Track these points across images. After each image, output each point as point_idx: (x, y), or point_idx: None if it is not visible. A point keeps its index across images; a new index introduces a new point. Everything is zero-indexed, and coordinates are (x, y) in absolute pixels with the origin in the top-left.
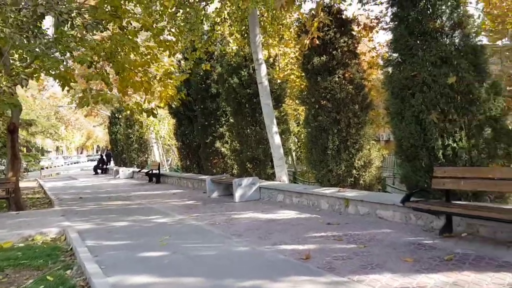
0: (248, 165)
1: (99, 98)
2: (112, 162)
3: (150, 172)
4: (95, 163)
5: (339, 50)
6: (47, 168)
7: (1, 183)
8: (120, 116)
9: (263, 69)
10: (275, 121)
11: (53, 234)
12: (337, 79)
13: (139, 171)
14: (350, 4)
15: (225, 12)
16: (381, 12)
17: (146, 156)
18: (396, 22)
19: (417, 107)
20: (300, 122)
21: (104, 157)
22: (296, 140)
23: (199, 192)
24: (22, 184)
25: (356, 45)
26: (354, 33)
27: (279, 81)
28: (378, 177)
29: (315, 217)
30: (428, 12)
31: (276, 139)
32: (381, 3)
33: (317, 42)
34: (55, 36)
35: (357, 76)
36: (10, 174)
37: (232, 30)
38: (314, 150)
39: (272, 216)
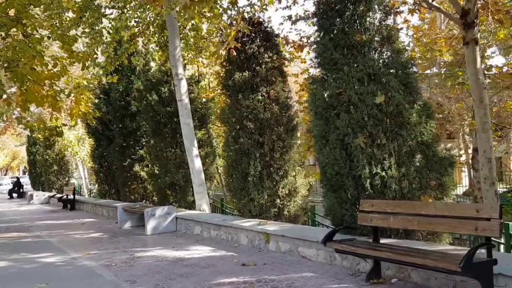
0: (168, 192)
1: None
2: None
3: (65, 197)
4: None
5: (263, 65)
6: None
7: None
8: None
9: (183, 85)
10: (195, 143)
11: None
12: (260, 97)
13: (53, 196)
14: (266, 10)
15: (133, 19)
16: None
17: (67, 179)
18: (320, 34)
19: (343, 130)
20: None
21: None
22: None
23: (112, 221)
24: None
25: (282, 61)
26: (280, 48)
27: (204, 99)
28: (304, 207)
29: (231, 255)
30: (355, 23)
31: (196, 163)
32: (313, 23)
33: (234, 53)
34: None
35: (283, 95)
36: None
37: (148, 41)
38: (235, 176)
39: (182, 254)
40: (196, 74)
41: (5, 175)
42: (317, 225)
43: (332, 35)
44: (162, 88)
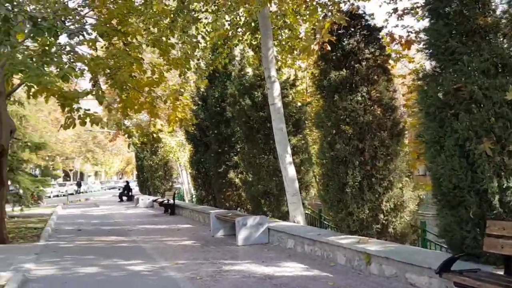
0: (261, 201)
1: (86, 119)
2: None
3: (166, 202)
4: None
5: (363, 62)
6: (70, 194)
7: None
8: (147, 142)
9: (276, 88)
10: (289, 149)
11: (3, 280)
12: (360, 98)
13: (155, 200)
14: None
15: (226, 22)
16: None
17: (171, 184)
18: (432, 20)
19: (462, 133)
20: None
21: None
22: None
23: (207, 229)
24: (36, 211)
25: (385, 57)
26: (382, 43)
27: (299, 104)
28: (413, 224)
29: (326, 276)
30: (477, 4)
31: (289, 171)
32: (422, 18)
33: (328, 47)
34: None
35: (387, 96)
36: None
37: (239, 41)
38: (331, 186)
39: (272, 270)
40: (291, 78)
41: (120, 179)
42: (428, 245)
43: (446, 20)
44: (255, 92)
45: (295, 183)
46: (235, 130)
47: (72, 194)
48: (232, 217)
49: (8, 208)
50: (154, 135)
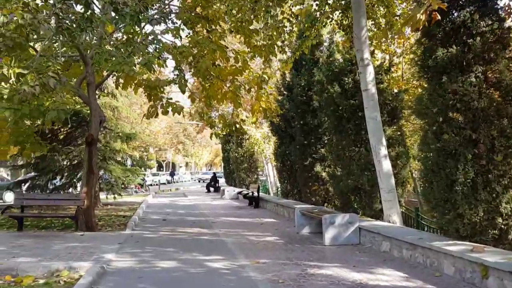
0: (351, 197)
1: (169, 108)
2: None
3: (250, 194)
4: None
5: (478, 38)
6: (162, 183)
7: (69, 199)
8: (233, 134)
9: (370, 71)
10: (384, 140)
11: (84, 270)
12: (473, 79)
13: (240, 192)
14: None
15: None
16: None
17: (256, 176)
18: None
19: None
20: None
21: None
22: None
23: (291, 224)
24: (129, 199)
25: (505, 30)
26: (502, 14)
27: (395, 90)
28: None
29: None
30: None
31: (384, 165)
32: None
33: (438, 17)
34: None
35: (507, 77)
36: (84, 190)
37: (327, 18)
38: (436, 183)
39: (364, 277)
40: (386, 62)
41: (209, 170)
42: None
43: None
44: (346, 78)
45: (390, 179)
46: (322, 120)
47: (164, 183)
48: (319, 214)
49: (102, 196)
50: (237, 125)
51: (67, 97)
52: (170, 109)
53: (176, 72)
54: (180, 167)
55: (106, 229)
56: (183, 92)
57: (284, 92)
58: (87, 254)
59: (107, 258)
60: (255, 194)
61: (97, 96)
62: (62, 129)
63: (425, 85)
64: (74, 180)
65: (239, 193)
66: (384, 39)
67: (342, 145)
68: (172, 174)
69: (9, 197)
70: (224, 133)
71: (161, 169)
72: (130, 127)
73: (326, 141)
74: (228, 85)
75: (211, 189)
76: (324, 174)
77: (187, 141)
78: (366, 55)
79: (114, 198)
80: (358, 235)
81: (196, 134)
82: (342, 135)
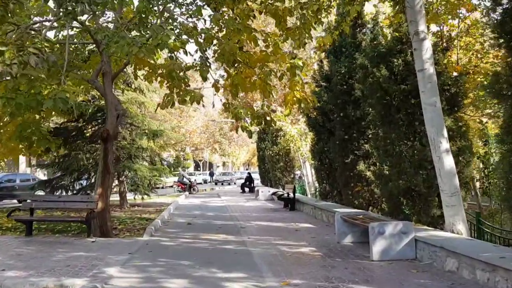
0: (401, 200)
1: (186, 97)
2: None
3: (285, 196)
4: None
5: None
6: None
7: (81, 201)
8: (268, 132)
9: (426, 47)
10: (445, 132)
11: None
12: None
13: (274, 193)
14: None
15: None
16: None
17: (292, 176)
18: None
19: None
20: (490, 139)
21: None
22: (482, 165)
23: (330, 231)
24: (158, 200)
25: None
26: None
27: (455, 73)
28: None
29: None
30: None
31: (446, 162)
32: None
33: None
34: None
35: None
36: (98, 191)
37: None
38: None
39: None
40: (444, 39)
41: (246, 169)
42: None
43: None
44: (395, 60)
45: (454, 179)
46: (366, 111)
47: (200, 183)
48: (364, 221)
49: (130, 196)
50: (268, 117)
51: (68, 84)
52: (188, 98)
53: (198, 56)
54: (218, 166)
55: (124, 234)
56: (205, 79)
57: (322, 83)
58: (87, 268)
59: (107, 274)
60: (291, 195)
61: (122, 91)
62: (87, 126)
63: (507, 57)
64: None
65: (274, 194)
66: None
67: (391, 139)
68: (211, 174)
69: None
70: (253, 127)
71: (198, 168)
72: (158, 124)
73: (370, 135)
74: (257, 72)
75: (246, 189)
76: (368, 173)
77: (223, 140)
78: (422, 27)
79: (142, 198)
80: (413, 248)
81: (229, 131)
82: (390, 127)
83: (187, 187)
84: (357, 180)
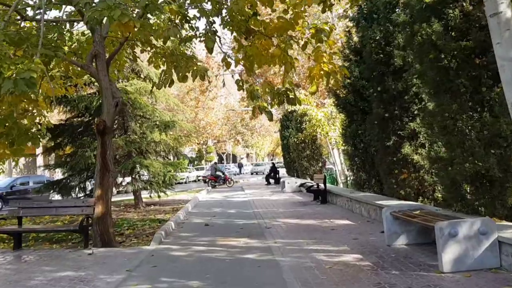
0: (466, 188)
1: (188, 71)
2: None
3: (315, 187)
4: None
5: None
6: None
7: (75, 206)
8: (292, 118)
9: None
10: None
11: None
12: None
13: (302, 185)
14: None
15: None
16: None
17: (321, 164)
18: None
19: None
20: None
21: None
22: None
23: (374, 228)
24: (177, 197)
25: None
26: None
27: None
28: None
29: None
30: None
31: None
32: None
33: None
34: None
35: None
36: (97, 193)
37: None
38: None
39: None
40: None
41: (271, 160)
42: None
43: None
44: (449, 11)
45: None
46: (409, 82)
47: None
48: (426, 219)
49: (145, 194)
50: (290, 94)
51: (36, 62)
52: (190, 73)
53: (201, 27)
54: (241, 158)
55: (130, 242)
56: (210, 51)
57: (351, 57)
58: None
59: None
60: (321, 186)
61: (127, 80)
62: (94, 121)
63: None
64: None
65: (302, 185)
66: None
67: (451, 112)
68: (240, 166)
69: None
70: (273, 107)
71: (222, 161)
72: (171, 115)
73: (416, 111)
74: (275, 43)
75: (271, 181)
76: (416, 157)
77: (245, 131)
78: None
79: (159, 196)
80: (497, 253)
81: (250, 120)
82: (448, 96)
83: (221, 180)
84: (402, 166)
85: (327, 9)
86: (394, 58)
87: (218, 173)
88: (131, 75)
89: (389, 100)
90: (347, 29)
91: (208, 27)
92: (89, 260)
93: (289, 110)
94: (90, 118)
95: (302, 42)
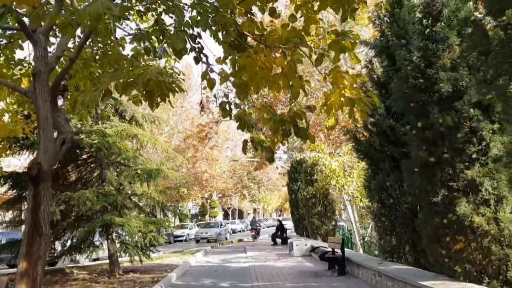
0: None
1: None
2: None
3: (330, 253)
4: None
5: None
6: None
7: None
8: (301, 170)
9: None
10: None
11: None
12: None
13: (314, 249)
14: None
15: None
16: None
17: (334, 223)
18: None
19: None
20: None
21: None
22: None
23: None
24: (165, 261)
25: None
26: None
27: None
28: None
29: None
30: None
31: None
32: None
33: None
34: None
35: None
36: (22, 266)
37: None
38: None
39: None
40: None
41: (279, 215)
42: None
43: None
44: None
45: None
46: (465, 114)
47: (240, 231)
48: None
49: (124, 258)
50: (299, 122)
51: None
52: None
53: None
54: (248, 213)
55: None
56: (179, 54)
57: (374, 91)
58: None
59: None
60: (338, 252)
61: (107, 119)
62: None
63: None
64: (90, 238)
65: (313, 250)
66: None
67: None
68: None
69: None
70: (276, 145)
71: (228, 217)
72: (158, 162)
73: (474, 154)
74: (279, 57)
75: (278, 240)
76: (477, 219)
77: (251, 185)
78: None
79: (141, 261)
80: None
81: (254, 171)
82: None
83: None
84: (456, 231)
85: (348, 16)
86: (440, 83)
87: (257, 225)
88: (113, 115)
89: (434, 139)
90: (367, 59)
91: (180, 19)
92: None
93: (297, 159)
94: (59, 165)
95: (315, 56)
